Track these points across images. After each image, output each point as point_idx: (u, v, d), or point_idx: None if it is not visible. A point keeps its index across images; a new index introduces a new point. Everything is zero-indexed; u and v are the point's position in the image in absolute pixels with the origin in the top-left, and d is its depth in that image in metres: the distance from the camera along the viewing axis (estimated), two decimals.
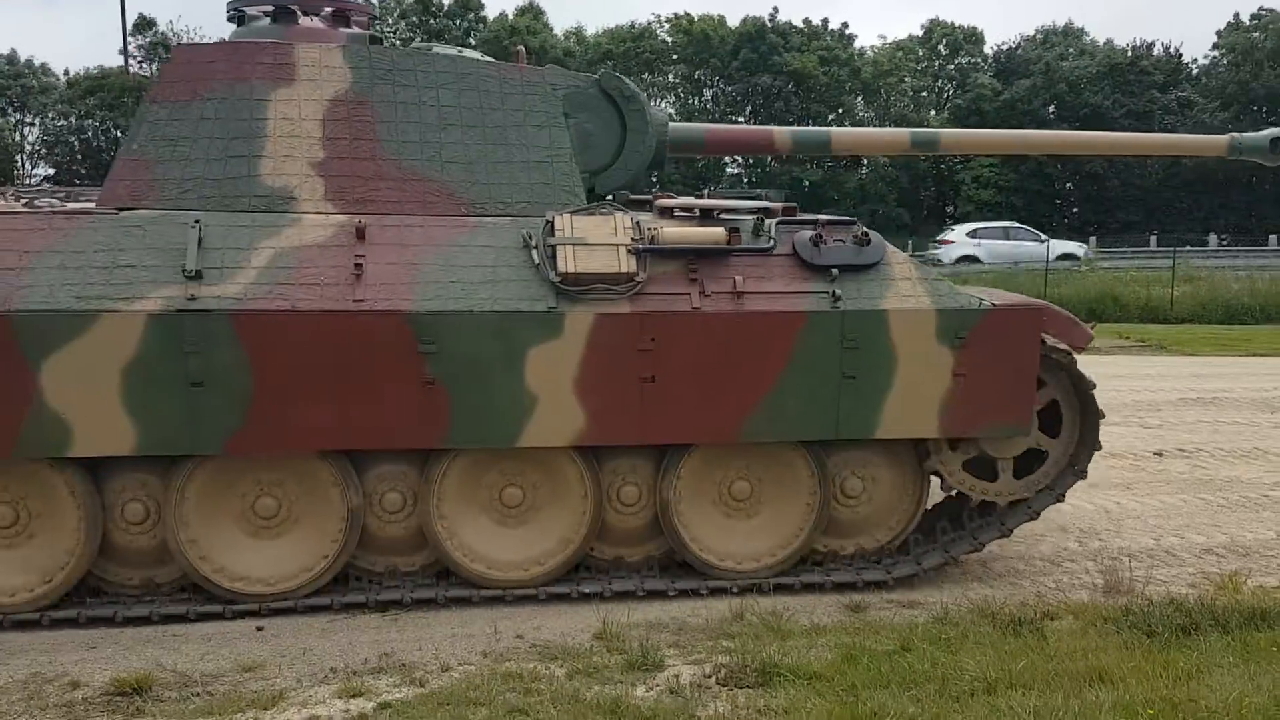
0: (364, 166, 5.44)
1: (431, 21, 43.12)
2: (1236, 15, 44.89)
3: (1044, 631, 4.91)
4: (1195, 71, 43.97)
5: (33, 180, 38.36)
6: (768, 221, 5.57)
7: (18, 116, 42.52)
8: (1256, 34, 42.96)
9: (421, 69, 5.67)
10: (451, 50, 6.03)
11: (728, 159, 39.36)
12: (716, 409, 5.33)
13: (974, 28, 47.79)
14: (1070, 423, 5.92)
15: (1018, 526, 5.99)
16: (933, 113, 44.71)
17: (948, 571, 6.02)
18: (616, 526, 5.68)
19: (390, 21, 42.39)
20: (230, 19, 6.08)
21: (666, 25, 45.05)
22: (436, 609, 5.46)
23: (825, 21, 45.13)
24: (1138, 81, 41.16)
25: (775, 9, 44.52)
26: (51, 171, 41.14)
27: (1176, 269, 22.31)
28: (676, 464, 5.55)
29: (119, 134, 41.08)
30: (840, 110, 43.72)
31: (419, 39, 40.16)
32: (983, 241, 27.45)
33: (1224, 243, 34.64)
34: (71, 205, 5.55)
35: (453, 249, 5.27)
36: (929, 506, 6.04)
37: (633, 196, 6.08)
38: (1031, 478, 5.89)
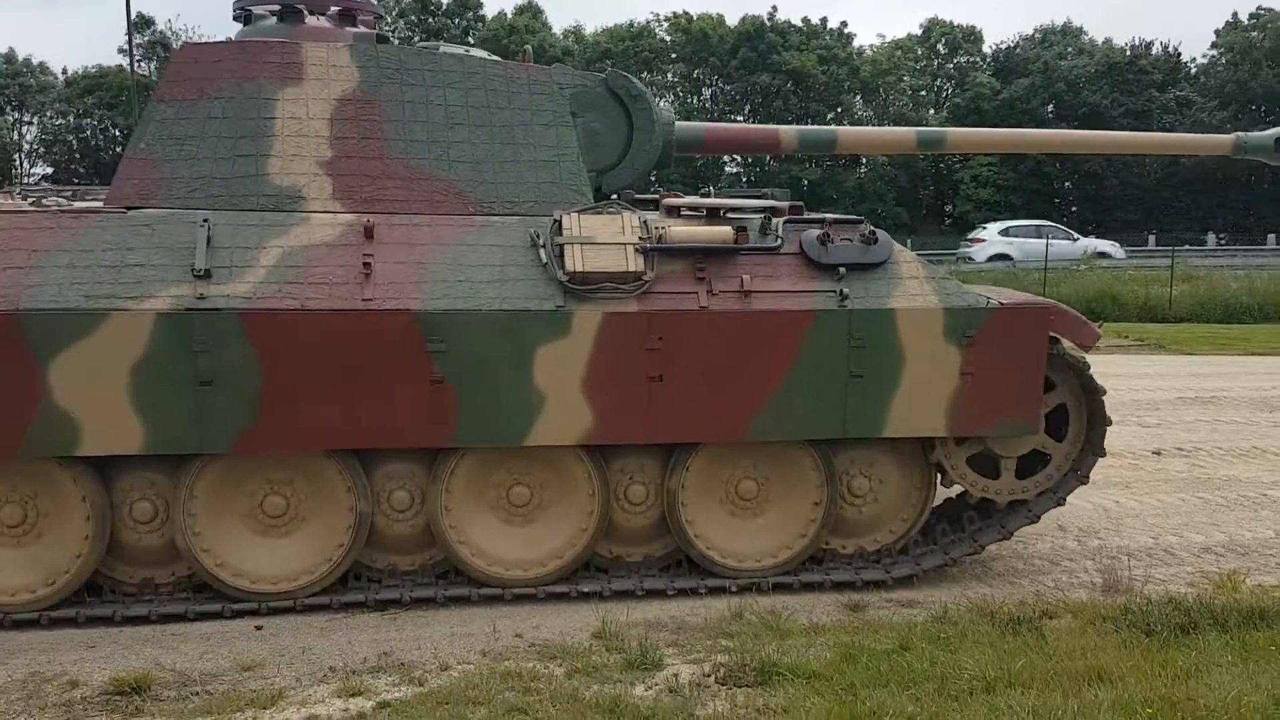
0: (372, 166, 5.45)
1: (430, 20, 43.10)
2: (1235, 14, 44.93)
3: (1043, 630, 4.91)
4: (1194, 71, 43.97)
5: (31, 179, 38.31)
6: (775, 220, 5.57)
7: (16, 115, 42.48)
8: (1255, 33, 42.97)
9: (429, 68, 5.68)
10: (459, 50, 6.04)
11: (726, 158, 39.32)
12: (724, 408, 5.34)
13: (973, 27, 47.79)
14: (1076, 428, 5.92)
15: (1018, 529, 6.00)
16: (931, 112, 44.69)
17: (947, 571, 6.02)
18: (624, 526, 5.68)
19: (389, 20, 42.36)
20: (236, 18, 6.09)
21: (665, 24, 45.04)
22: (435, 608, 5.46)
23: (824, 20, 45.13)
24: (1136, 81, 41.16)
25: (774, 8, 44.54)
26: (50, 170, 41.11)
27: (1175, 268, 22.32)
28: (684, 463, 5.55)
29: (117, 133, 41.09)
30: (839, 109, 43.70)
31: (417, 38, 40.16)
32: (1015, 240, 27.46)
33: (1222, 242, 34.68)
34: (78, 204, 5.55)
35: (460, 248, 5.28)
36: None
37: (637, 196, 6.08)
38: (1033, 479, 5.89)
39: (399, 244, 5.23)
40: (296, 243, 5.15)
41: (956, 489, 6.06)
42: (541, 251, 5.28)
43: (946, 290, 5.54)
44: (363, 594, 5.45)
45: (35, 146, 43.22)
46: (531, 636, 5.10)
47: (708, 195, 6.29)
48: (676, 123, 6.54)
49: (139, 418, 4.92)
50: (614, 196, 5.91)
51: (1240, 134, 7.31)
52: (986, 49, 46.98)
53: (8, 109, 41.99)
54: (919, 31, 48.20)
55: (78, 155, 41.69)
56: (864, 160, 41.44)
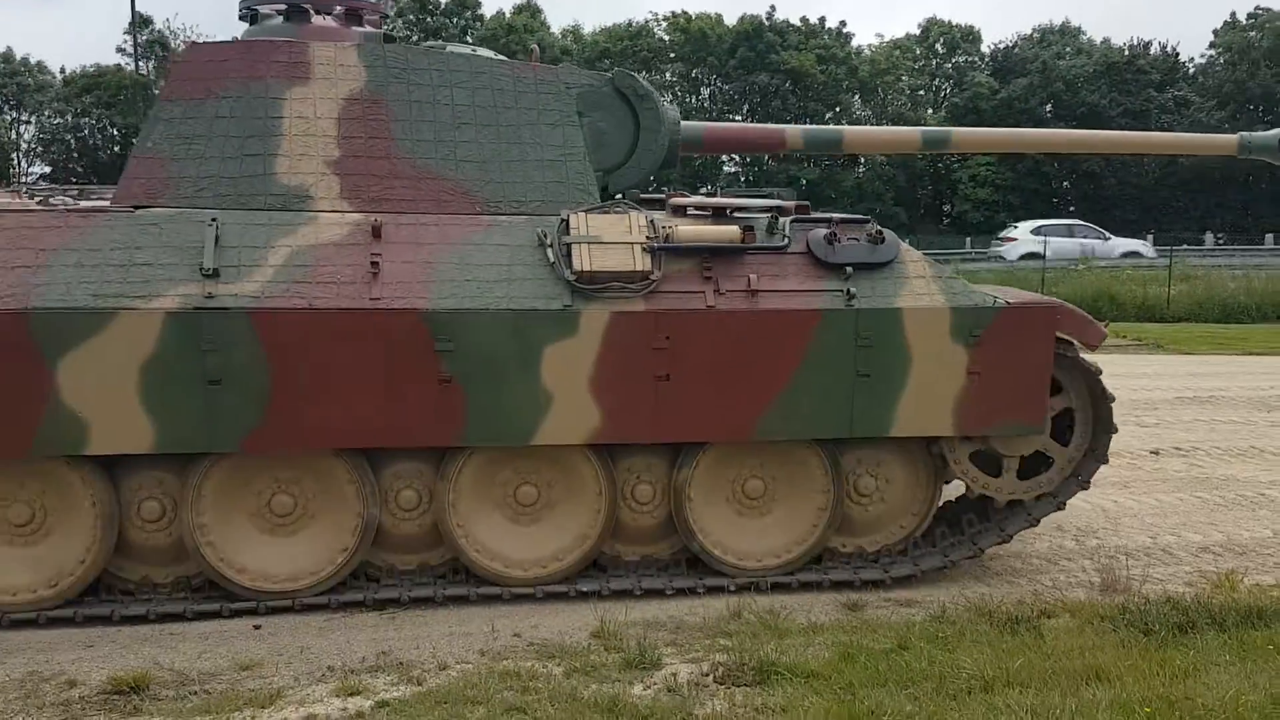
0: (379, 165, 5.46)
1: (428, 20, 43.07)
2: (1233, 14, 44.93)
3: (1041, 630, 4.92)
4: (1192, 70, 43.98)
5: (29, 178, 38.29)
6: (782, 220, 5.57)
7: (14, 115, 42.42)
8: (1253, 33, 42.98)
9: (436, 68, 5.69)
10: (465, 49, 6.05)
11: (725, 157, 39.32)
12: (731, 407, 5.35)
13: (971, 26, 47.78)
14: (1082, 433, 5.92)
15: (1017, 532, 6.00)
16: (930, 111, 44.69)
17: (945, 570, 6.02)
18: (631, 525, 5.69)
19: (388, 19, 42.29)
20: (242, 17, 6.10)
21: (664, 23, 45.02)
22: (434, 607, 5.46)
23: (823, 20, 45.11)
24: (1134, 80, 41.16)
25: (773, 7, 44.56)
26: (48, 170, 41.05)
27: (1173, 268, 22.33)
28: (691, 462, 5.55)
29: (115, 132, 41.05)
30: (837, 109, 43.69)
31: (415, 37, 40.12)
32: (1048, 239, 27.54)
33: (1220, 242, 34.67)
34: (85, 203, 5.55)
35: (468, 247, 5.29)
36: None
37: (642, 195, 6.08)
38: (1033, 480, 5.89)
39: (406, 243, 5.24)
40: (304, 242, 5.16)
41: (955, 494, 6.06)
42: (549, 251, 5.29)
43: (953, 290, 5.54)
44: (361, 593, 5.46)
45: (33, 146, 43.17)
46: (530, 636, 5.10)
47: (712, 195, 6.30)
48: (688, 123, 6.56)
49: (148, 417, 4.93)
50: (617, 196, 5.92)
51: (1245, 134, 7.35)
52: (985, 49, 46.99)
53: (5, 108, 41.93)
54: (917, 31, 48.24)
55: (75, 154, 41.64)
56: (862, 160, 41.43)
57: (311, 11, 5.87)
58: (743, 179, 39.78)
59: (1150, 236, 32.35)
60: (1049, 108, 41.52)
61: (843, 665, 4.50)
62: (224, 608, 5.31)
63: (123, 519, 5.22)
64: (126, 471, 5.22)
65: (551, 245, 5.30)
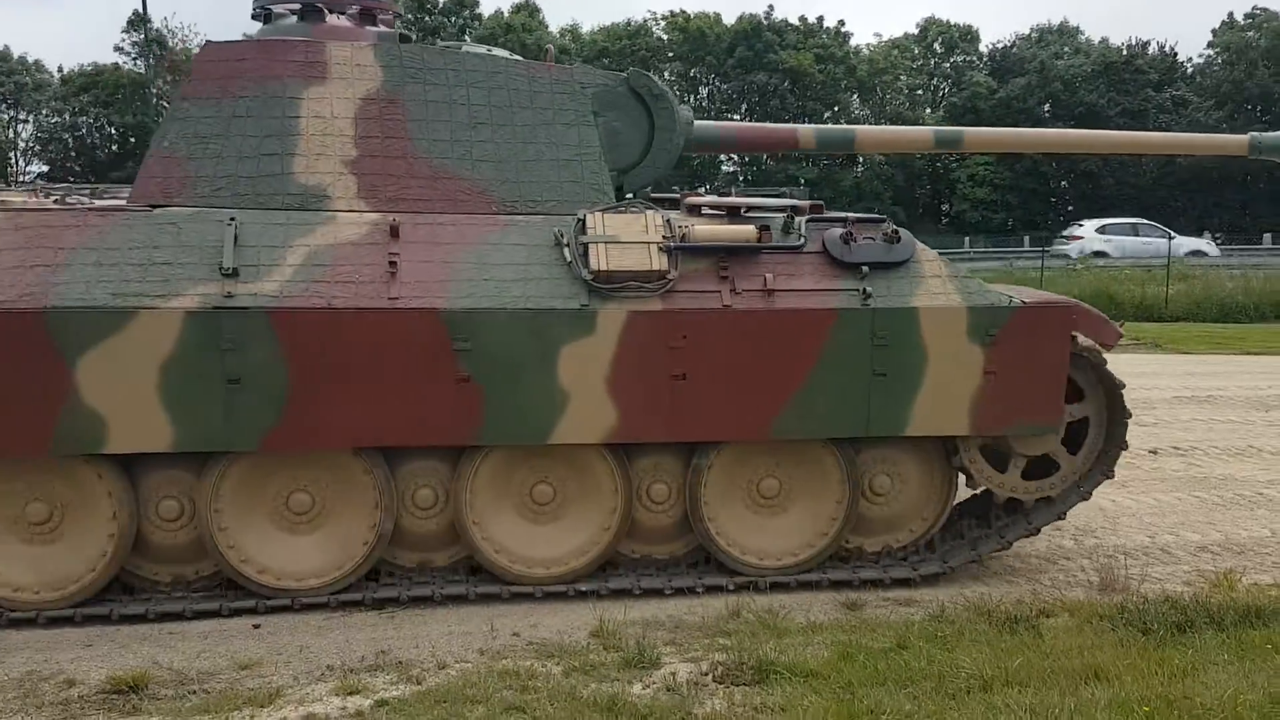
0: (396, 165, 5.47)
1: (426, 19, 43.04)
2: (1231, 14, 44.94)
3: (1040, 629, 4.92)
4: (1190, 70, 44.00)
5: (27, 177, 38.25)
6: (798, 219, 5.57)
7: (11, 114, 42.37)
8: (1251, 33, 42.99)
9: (452, 68, 5.71)
10: (481, 49, 6.07)
11: (723, 156, 39.31)
12: (747, 406, 5.36)
13: (969, 26, 47.76)
14: (1093, 444, 5.93)
15: (1017, 539, 6.01)
16: (928, 111, 44.69)
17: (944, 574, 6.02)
18: (646, 524, 5.69)
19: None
20: (255, 17, 6.13)
21: (662, 23, 44.98)
22: (433, 606, 5.46)
23: (821, 19, 45.07)
24: (1133, 80, 41.17)
25: (771, 6, 44.37)
26: (45, 169, 41.01)
27: (1171, 267, 22.35)
28: (706, 461, 5.55)
29: (113, 131, 41.01)
30: (836, 108, 43.68)
31: (414, 36, 40.02)
32: (1112, 238, 27.51)
33: (1218, 241, 34.67)
34: (100, 203, 5.56)
35: (485, 247, 5.30)
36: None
37: (653, 195, 6.08)
38: (1035, 483, 5.89)
39: (424, 243, 5.25)
40: (323, 241, 5.18)
41: (958, 497, 6.07)
42: (566, 250, 5.30)
43: (969, 289, 5.55)
44: (360, 593, 5.46)
45: (31, 144, 43.13)
46: (529, 635, 5.10)
47: (726, 194, 6.31)
48: (701, 123, 6.58)
49: (167, 415, 4.94)
50: (629, 196, 5.94)
51: (1256, 134, 7.38)
52: (983, 48, 46.99)
53: (3, 107, 41.89)
54: (915, 30, 48.22)
55: (73, 153, 41.58)
56: (861, 159, 41.43)
57: (326, 11, 5.88)
58: (741, 178, 39.76)
59: (1219, 235, 32.23)
60: (1047, 107, 41.52)
61: (842, 664, 4.50)
62: (223, 607, 5.32)
63: (141, 518, 5.23)
64: (144, 471, 5.23)
65: (568, 245, 5.31)
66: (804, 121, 36.47)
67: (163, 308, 4.88)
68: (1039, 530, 6.02)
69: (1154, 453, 9.06)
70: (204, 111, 5.44)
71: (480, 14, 44.47)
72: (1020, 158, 37.46)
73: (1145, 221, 30.14)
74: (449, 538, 5.60)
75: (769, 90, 42.18)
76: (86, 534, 5.19)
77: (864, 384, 5.41)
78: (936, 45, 47.79)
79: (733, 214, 5.66)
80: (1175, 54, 43.59)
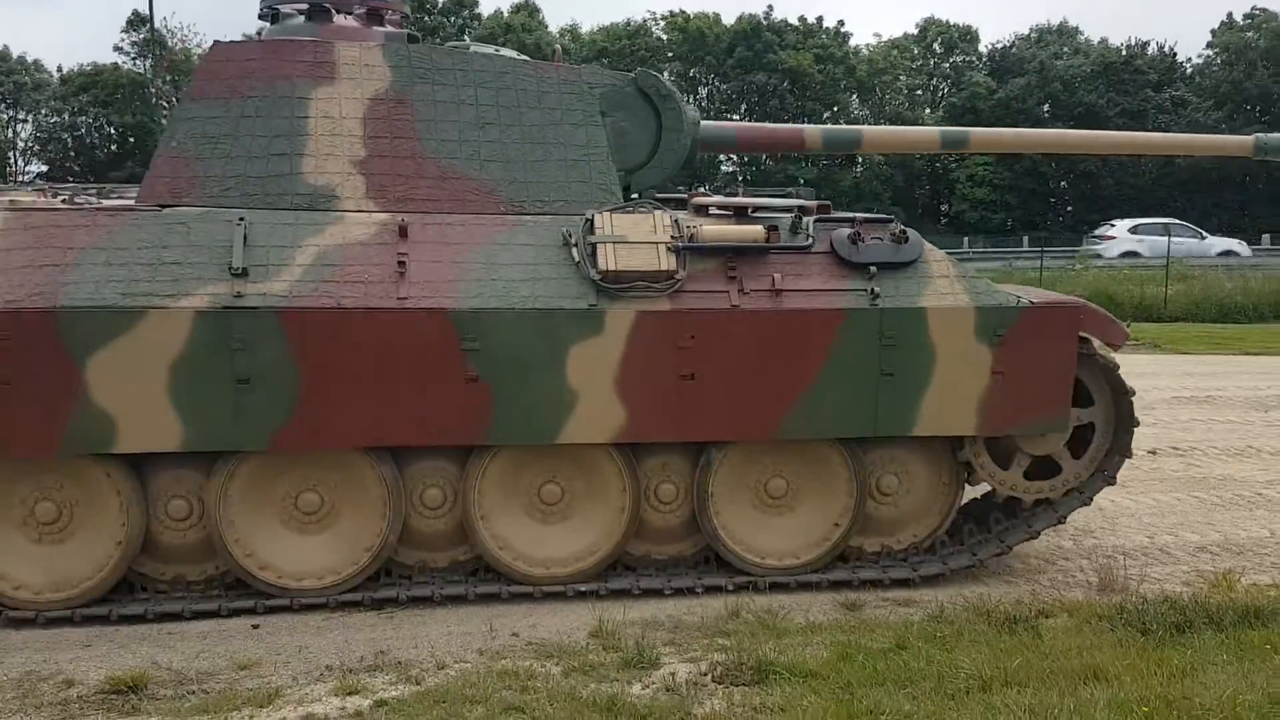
0: (404, 165, 5.48)
1: (426, 19, 43.03)
2: (1230, 15, 44.98)
3: (1039, 629, 4.92)
4: (1189, 71, 44.02)
5: (26, 177, 38.23)
6: (806, 219, 5.57)
7: (10, 113, 42.36)
8: (1250, 33, 43.01)
9: (460, 68, 5.71)
10: (489, 49, 6.08)
11: (722, 156, 39.30)
12: (755, 406, 5.37)
13: (969, 26, 47.77)
14: (1097, 450, 5.93)
15: (1018, 544, 6.01)
16: (928, 111, 44.70)
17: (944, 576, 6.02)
18: (654, 524, 5.70)
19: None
20: (262, 16, 6.13)
21: (662, 23, 44.99)
22: (432, 607, 5.46)
23: (820, 19, 45.08)
24: (1132, 80, 41.19)
25: (770, 6, 44.39)
26: (45, 168, 41.00)
27: (1170, 268, 22.36)
28: (714, 461, 5.56)
29: (112, 130, 40.99)
30: (835, 109, 43.68)
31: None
32: (1144, 238, 27.51)
33: (1251, 243, 34.59)
34: (109, 202, 5.57)
35: (493, 247, 5.31)
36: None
37: (659, 195, 6.09)
38: (1035, 483, 5.90)
39: (433, 243, 5.26)
40: (332, 241, 5.18)
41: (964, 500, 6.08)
42: (574, 250, 5.30)
43: (977, 289, 5.56)
44: (359, 593, 5.45)
45: (30, 144, 43.12)
46: (528, 635, 5.10)
47: (733, 194, 6.31)
48: (707, 123, 6.60)
49: (177, 415, 4.95)
50: (634, 196, 5.94)
51: (1260, 135, 7.41)
52: (982, 48, 47.00)
53: (2, 106, 41.88)
54: (915, 31, 48.24)
55: (72, 153, 41.58)
56: (860, 159, 41.43)
57: (333, 11, 5.88)
58: (740, 178, 39.74)
59: (1264, 238, 32.16)
60: (1046, 108, 41.54)
61: (841, 665, 4.50)
62: (222, 607, 5.32)
63: (150, 518, 5.24)
64: (153, 470, 5.24)
65: (576, 245, 5.32)
66: (803, 121, 36.51)
67: (172, 307, 4.88)
68: (1039, 534, 6.02)
69: (1153, 453, 9.06)
70: (212, 111, 5.44)
71: (480, 14, 44.47)
72: (1019, 158, 37.47)
73: (1177, 222, 30.11)
74: (457, 537, 5.60)
75: (768, 90, 42.18)
76: (96, 534, 5.19)
77: (872, 384, 5.41)
78: (936, 45, 47.80)
79: (740, 214, 5.66)
80: (1174, 54, 43.64)
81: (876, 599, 5.64)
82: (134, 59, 42.51)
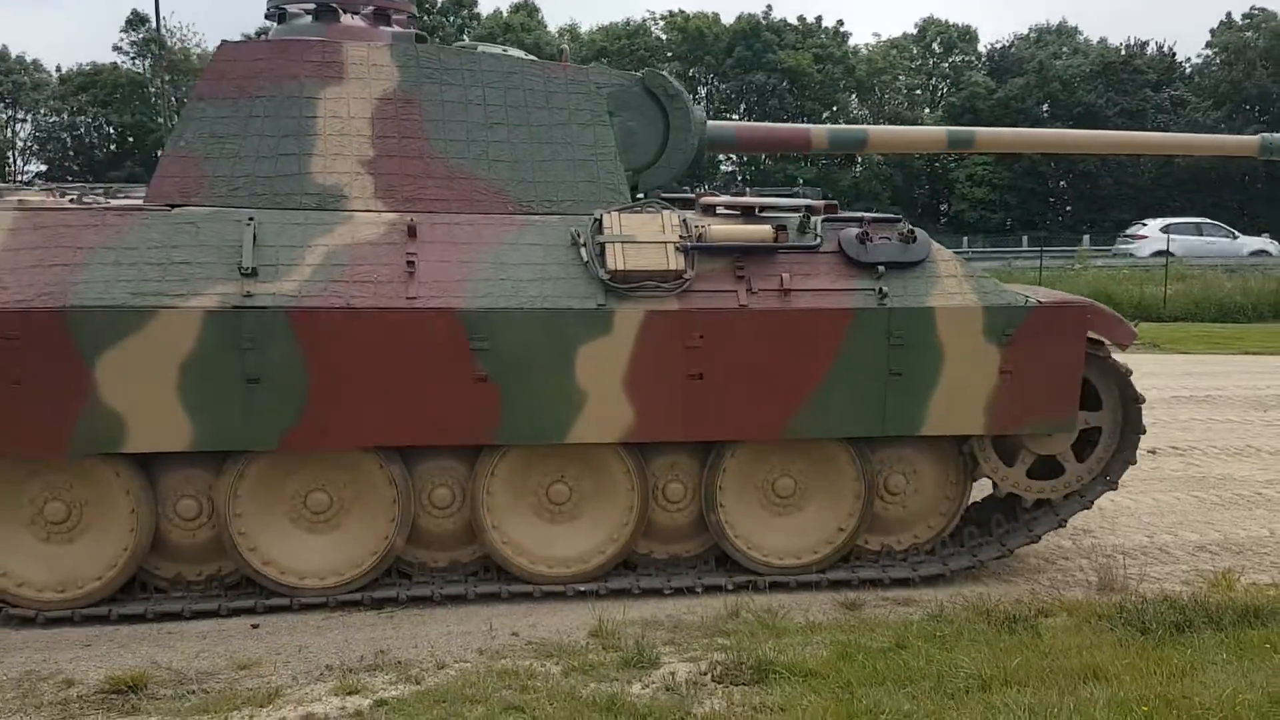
0: (413, 165, 5.48)
1: (425, 18, 43.03)
2: (1229, 15, 45.05)
3: (1039, 629, 4.92)
4: (1188, 70, 44.06)
5: (25, 177, 38.22)
6: (814, 219, 5.58)
7: (9, 113, 42.36)
8: (1249, 33, 43.05)
9: (468, 68, 5.71)
10: (497, 49, 6.08)
11: (721, 156, 39.30)
12: (763, 406, 5.37)
13: (968, 26, 47.87)
14: (1101, 454, 5.93)
15: (1017, 547, 6.02)
16: (927, 111, 44.72)
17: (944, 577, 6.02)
18: (662, 523, 5.70)
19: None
20: (269, 16, 6.14)
21: (661, 22, 45.02)
22: (432, 606, 5.46)
23: (819, 19, 45.15)
24: (1131, 80, 41.23)
25: (769, 6, 44.48)
26: (44, 168, 41.01)
27: (1169, 267, 22.37)
28: (722, 460, 5.56)
29: (111, 130, 41.00)
30: (834, 108, 43.71)
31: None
32: (1176, 237, 27.51)
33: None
34: (117, 202, 5.57)
35: (502, 247, 5.31)
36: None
37: (664, 195, 6.09)
38: (1037, 483, 5.90)
39: (442, 243, 5.26)
40: (341, 241, 5.19)
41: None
42: (582, 250, 5.30)
43: (985, 289, 5.56)
44: (359, 592, 5.45)
45: (29, 144, 43.12)
46: (528, 635, 5.10)
47: (740, 194, 6.32)
48: (713, 123, 6.59)
49: (187, 415, 4.95)
50: (640, 196, 5.95)
51: (1266, 135, 7.42)
52: (982, 48, 47.07)
53: (1, 106, 41.87)
54: (914, 30, 48.30)
55: (71, 153, 41.59)
56: (859, 159, 41.44)
57: (340, 11, 5.89)
58: (739, 178, 39.76)
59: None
60: (1045, 107, 41.58)
61: (841, 664, 4.50)
62: (221, 606, 5.32)
63: (159, 517, 5.24)
64: (162, 470, 5.24)
65: (585, 245, 5.32)
66: (802, 121, 36.53)
67: (182, 307, 4.88)
68: (1040, 538, 6.02)
69: (1152, 452, 9.05)
70: (221, 111, 5.44)
71: (479, 14, 44.48)
72: (1018, 157, 37.49)
73: (1209, 221, 30.09)
74: (465, 537, 5.60)
75: (767, 90, 42.20)
76: (105, 533, 5.19)
77: (880, 383, 5.41)
78: (935, 45, 47.84)
79: (748, 214, 5.66)
80: (1173, 54, 43.69)
81: (876, 598, 5.64)
82: (133, 59, 42.54)
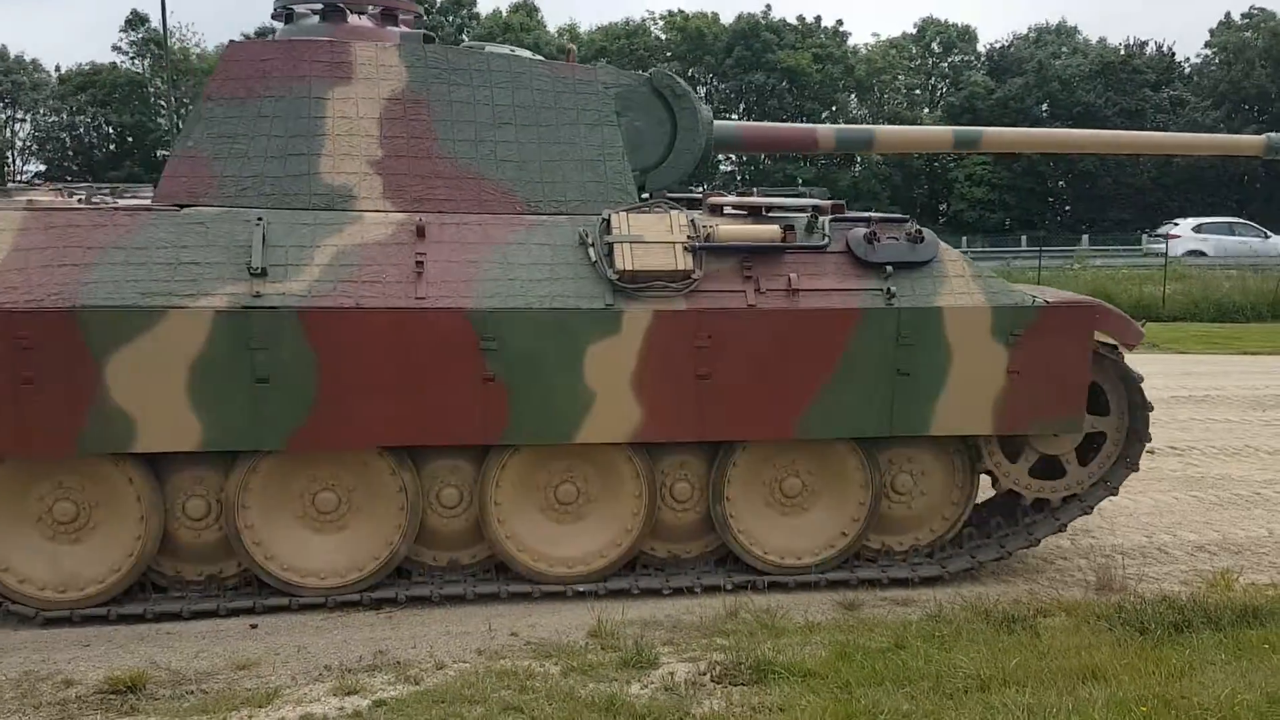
0: (421, 165, 5.49)
1: (425, 18, 43.03)
2: (1228, 14, 45.08)
3: (1037, 629, 4.93)
4: (1187, 70, 44.07)
5: (24, 177, 38.22)
6: (821, 219, 5.58)
7: (9, 113, 42.35)
8: (1248, 33, 43.07)
9: (476, 68, 5.71)
10: (505, 49, 6.08)
11: (720, 156, 39.30)
12: (771, 406, 5.37)
13: (967, 25, 47.88)
14: (1104, 459, 5.94)
15: (1017, 550, 6.03)
16: (926, 111, 44.73)
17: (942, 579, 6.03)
18: (669, 523, 5.71)
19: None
20: (276, 16, 6.14)
21: (660, 22, 45.04)
22: (431, 606, 5.46)
23: (819, 19, 45.17)
24: (1130, 80, 41.23)
25: (769, 6, 44.50)
26: (43, 168, 41.00)
27: (1168, 267, 22.37)
28: (730, 460, 5.57)
29: (110, 130, 40.99)
30: (834, 108, 43.71)
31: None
32: (1209, 237, 27.41)
33: None
34: (126, 202, 5.57)
35: (510, 247, 5.31)
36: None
37: (671, 194, 6.10)
38: (1038, 482, 5.90)
39: (450, 243, 5.27)
40: (350, 241, 5.19)
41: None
42: (591, 250, 5.31)
43: (993, 289, 5.56)
44: (358, 593, 5.46)
45: (28, 144, 43.11)
46: (527, 635, 5.10)
47: (748, 194, 6.32)
48: (720, 123, 6.59)
49: (196, 415, 4.95)
50: (645, 196, 5.95)
51: (1272, 135, 7.44)
52: (981, 48, 47.07)
53: (1, 106, 41.85)
54: (913, 30, 48.29)
55: (71, 153, 41.57)
56: (858, 159, 41.45)
57: (348, 11, 5.89)
58: (739, 178, 39.78)
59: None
60: (1045, 107, 41.58)
61: (839, 664, 4.51)
62: (220, 607, 5.32)
63: (168, 517, 5.25)
64: (171, 470, 5.25)
65: (593, 245, 5.32)
66: (802, 121, 36.55)
67: (192, 307, 4.89)
68: (1039, 541, 6.03)
69: (1151, 452, 9.03)
70: (229, 111, 5.44)
71: (478, 13, 44.47)
72: (1017, 157, 37.51)
73: (1241, 220, 30.01)
74: (471, 537, 5.61)
75: (767, 90, 42.21)
76: (114, 533, 5.20)
77: (887, 383, 5.41)
78: (934, 45, 47.85)
79: (756, 214, 5.67)
80: (1173, 54, 43.70)
81: (875, 598, 5.64)
82: (132, 59, 42.52)
